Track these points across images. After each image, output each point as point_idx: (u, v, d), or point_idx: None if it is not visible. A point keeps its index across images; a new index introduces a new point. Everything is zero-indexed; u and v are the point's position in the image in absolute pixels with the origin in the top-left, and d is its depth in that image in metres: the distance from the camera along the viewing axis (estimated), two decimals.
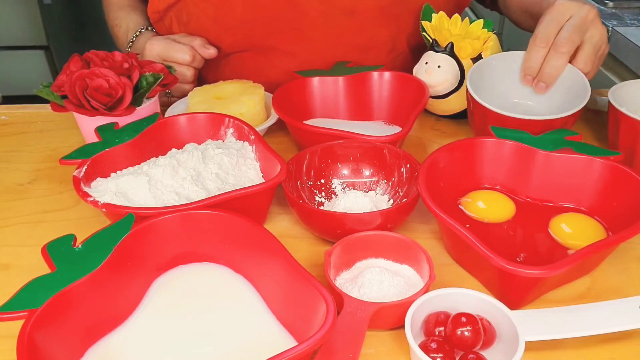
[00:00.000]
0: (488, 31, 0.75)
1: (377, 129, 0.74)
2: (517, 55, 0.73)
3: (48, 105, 0.69)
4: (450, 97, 0.75)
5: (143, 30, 0.86)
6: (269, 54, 0.84)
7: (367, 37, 0.83)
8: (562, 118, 0.63)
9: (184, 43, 0.79)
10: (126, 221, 0.49)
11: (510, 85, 0.73)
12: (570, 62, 0.69)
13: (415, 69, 0.76)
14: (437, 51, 0.74)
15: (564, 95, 0.70)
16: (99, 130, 0.63)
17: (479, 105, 0.66)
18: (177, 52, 0.78)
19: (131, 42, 0.86)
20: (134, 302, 0.49)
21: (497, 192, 0.61)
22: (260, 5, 0.79)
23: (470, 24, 0.76)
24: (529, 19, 0.84)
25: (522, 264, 0.45)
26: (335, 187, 0.63)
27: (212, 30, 0.82)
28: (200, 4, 0.80)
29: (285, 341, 0.45)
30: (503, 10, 0.96)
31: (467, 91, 0.69)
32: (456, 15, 0.77)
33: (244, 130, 0.64)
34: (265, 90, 0.78)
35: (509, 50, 0.75)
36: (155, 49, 0.79)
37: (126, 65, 0.67)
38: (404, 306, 0.45)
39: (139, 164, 0.62)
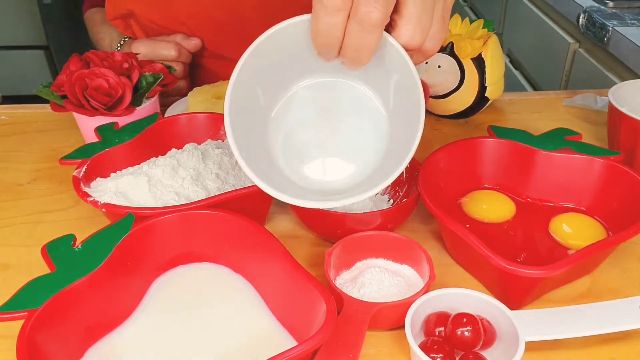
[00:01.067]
0: (488, 31, 0.75)
1: None
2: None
3: (48, 105, 0.69)
4: (450, 97, 0.75)
5: (127, 40, 0.87)
6: (225, 61, 0.85)
7: None
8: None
9: (166, 41, 0.80)
10: (126, 221, 0.49)
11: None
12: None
13: None
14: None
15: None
16: (99, 130, 0.63)
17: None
18: (163, 49, 0.79)
19: (117, 50, 0.86)
20: (134, 302, 0.49)
21: (497, 192, 0.61)
22: (202, 14, 0.80)
23: (470, 23, 0.76)
24: None
25: (522, 264, 0.45)
26: None
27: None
28: (146, 15, 0.81)
29: (285, 341, 0.45)
30: None
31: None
32: (456, 15, 0.77)
33: None
34: None
35: (509, 49, 0.75)
36: (141, 49, 0.80)
37: (126, 65, 0.67)
38: (404, 306, 0.45)
39: (139, 164, 0.62)
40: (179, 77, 0.81)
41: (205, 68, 0.87)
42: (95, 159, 0.59)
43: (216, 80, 0.83)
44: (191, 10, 0.80)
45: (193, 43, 0.82)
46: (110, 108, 0.65)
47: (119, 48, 0.87)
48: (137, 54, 0.76)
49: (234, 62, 0.82)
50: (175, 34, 0.82)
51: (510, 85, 1.60)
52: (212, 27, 0.81)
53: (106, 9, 0.85)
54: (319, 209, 0.58)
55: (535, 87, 1.52)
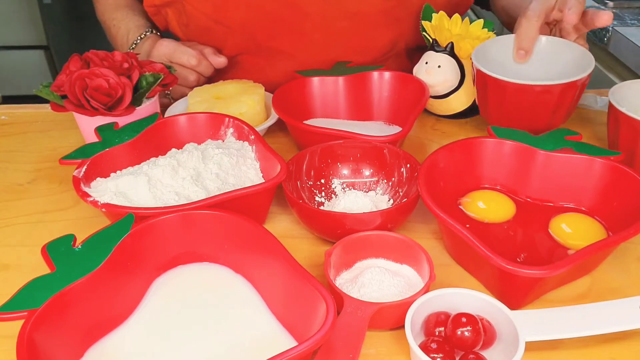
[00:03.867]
0: (488, 31, 0.75)
1: (377, 129, 0.74)
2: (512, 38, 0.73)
3: (48, 105, 0.69)
4: (450, 97, 0.75)
5: (148, 34, 0.86)
6: (270, 56, 0.84)
7: (368, 39, 0.83)
8: (563, 85, 0.64)
9: (193, 48, 0.80)
10: (126, 221, 0.49)
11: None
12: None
13: (415, 69, 0.76)
14: (437, 51, 0.74)
15: (566, 70, 0.69)
16: (99, 130, 0.63)
17: (489, 77, 0.66)
18: (184, 55, 0.78)
19: (135, 44, 0.85)
20: (134, 302, 0.49)
21: (497, 192, 0.61)
22: (262, 7, 0.79)
23: (470, 24, 0.76)
24: (512, 20, 0.85)
25: (522, 264, 0.45)
26: (335, 187, 0.63)
27: (213, 31, 0.82)
28: (197, 5, 0.80)
29: (285, 341, 0.45)
30: (494, 12, 0.97)
31: (475, 66, 0.68)
32: (456, 15, 0.77)
33: (243, 130, 0.64)
34: (265, 90, 0.78)
35: None
36: (164, 50, 0.79)
37: (126, 65, 0.67)
38: (404, 306, 0.45)
39: (139, 164, 0.62)
40: (189, 85, 0.81)
41: (251, 60, 0.86)
42: (95, 159, 0.59)
43: (262, 72, 0.82)
44: (249, 2, 0.79)
45: (219, 61, 0.81)
46: (110, 108, 0.65)
47: (138, 40, 0.85)
48: (138, 54, 0.76)
49: (289, 56, 0.82)
50: (206, 47, 0.82)
51: None
52: (269, 20, 0.80)
53: None
54: (321, 210, 0.58)
55: None
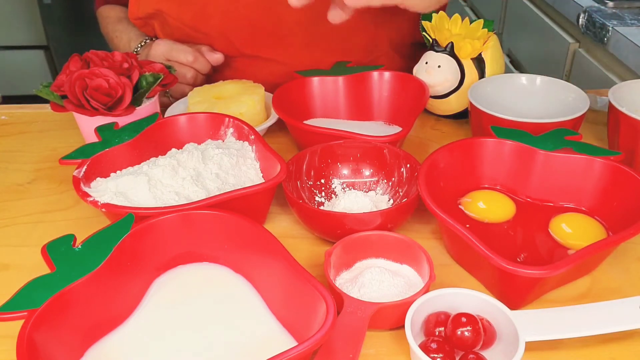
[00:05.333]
0: (488, 31, 0.75)
1: (377, 129, 0.74)
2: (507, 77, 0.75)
3: (48, 105, 0.69)
4: (450, 97, 0.75)
5: (148, 41, 0.87)
6: (253, 61, 0.85)
7: (346, 41, 0.84)
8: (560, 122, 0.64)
9: (190, 46, 0.81)
10: (126, 221, 0.49)
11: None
12: None
13: (415, 69, 0.76)
14: (437, 51, 0.74)
15: (560, 109, 0.70)
16: (99, 130, 0.63)
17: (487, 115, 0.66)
18: (180, 52, 0.79)
19: (135, 51, 0.86)
20: (133, 302, 0.49)
21: (497, 192, 0.61)
22: (238, 14, 0.80)
23: (470, 23, 0.76)
24: None
25: (522, 264, 0.45)
26: (335, 187, 0.63)
27: (194, 39, 0.84)
28: (176, 16, 0.81)
29: (285, 341, 0.45)
30: None
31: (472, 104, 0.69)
32: (456, 15, 0.77)
33: (243, 130, 0.65)
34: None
35: (509, 49, 0.75)
36: (160, 49, 0.80)
37: (126, 65, 0.67)
38: (404, 306, 0.45)
39: (139, 164, 0.62)
40: (187, 82, 0.81)
41: (234, 68, 0.87)
42: (95, 159, 0.59)
43: (250, 76, 0.83)
44: (226, 10, 0.80)
45: (215, 57, 0.82)
46: (110, 108, 0.65)
47: (139, 48, 0.86)
48: (138, 53, 0.76)
49: (268, 61, 0.82)
50: (202, 45, 0.83)
51: None
52: (246, 27, 0.81)
53: (130, 7, 0.84)
54: (321, 210, 0.58)
55: None
